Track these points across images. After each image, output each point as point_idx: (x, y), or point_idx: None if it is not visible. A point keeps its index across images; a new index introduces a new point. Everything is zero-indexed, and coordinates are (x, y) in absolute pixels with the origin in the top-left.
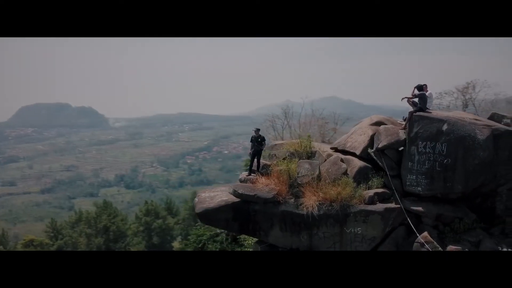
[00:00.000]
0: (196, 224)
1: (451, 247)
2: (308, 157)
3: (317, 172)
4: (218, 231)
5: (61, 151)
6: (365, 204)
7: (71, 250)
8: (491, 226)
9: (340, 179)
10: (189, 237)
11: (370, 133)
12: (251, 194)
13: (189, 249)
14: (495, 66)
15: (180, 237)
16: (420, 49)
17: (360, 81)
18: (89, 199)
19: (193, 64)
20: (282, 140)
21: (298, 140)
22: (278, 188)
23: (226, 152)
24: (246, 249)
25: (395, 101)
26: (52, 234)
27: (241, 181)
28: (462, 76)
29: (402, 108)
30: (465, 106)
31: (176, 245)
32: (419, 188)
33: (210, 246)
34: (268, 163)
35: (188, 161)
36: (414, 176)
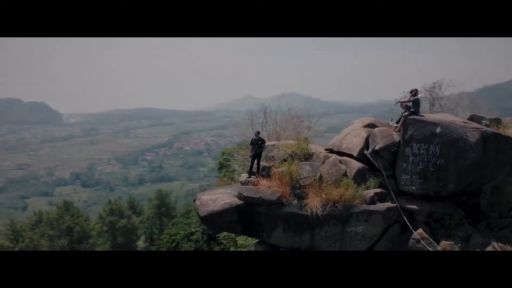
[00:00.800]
0: (169, 224)
1: (444, 242)
2: (306, 159)
3: (318, 174)
4: (193, 230)
5: (12, 148)
6: (366, 204)
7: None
8: (477, 222)
9: (341, 180)
10: (161, 236)
11: (365, 135)
12: (256, 196)
13: (163, 249)
14: (458, 65)
15: (144, 236)
16: (380, 47)
17: (317, 78)
18: (43, 198)
19: (153, 58)
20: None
21: (296, 142)
22: (281, 190)
23: (187, 148)
24: (226, 248)
25: (350, 97)
26: (12, 237)
27: (242, 183)
28: (424, 75)
29: (358, 104)
30: (432, 104)
31: (141, 244)
32: (413, 188)
33: (185, 245)
34: (267, 164)
35: (148, 158)
36: (409, 176)
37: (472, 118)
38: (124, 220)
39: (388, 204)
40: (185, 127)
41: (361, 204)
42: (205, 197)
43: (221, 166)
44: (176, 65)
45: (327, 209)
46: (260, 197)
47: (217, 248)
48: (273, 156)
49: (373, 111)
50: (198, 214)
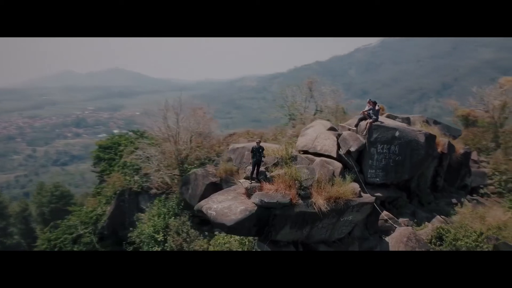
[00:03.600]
0: (45, 230)
1: (402, 220)
2: (292, 162)
3: (317, 176)
4: (81, 232)
5: None
6: (358, 197)
7: None
8: (411, 200)
9: (333, 179)
10: (36, 243)
11: (334, 138)
12: (273, 201)
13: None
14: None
15: None
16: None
17: (149, 54)
18: None
19: None
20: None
21: (283, 147)
22: (290, 192)
23: None
24: (140, 247)
25: (181, 75)
26: None
27: (247, 189)
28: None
29: (188, 82)
30: (310, 97)
31: None
32: (377, 179)
33: (75, 248)
34: (263, 169)
35: None
36: (374, 171)
37: (389, 117)
38: None
39: (372, 196)
40: None
41: (354, 197)
42: (215, 205)
43: (99, 159)
44: None
45: (331, 205)
46: (277, 201)
47: (130, 248)
48: (263, 161)
49: (202, 89)
50: (222, 223)
